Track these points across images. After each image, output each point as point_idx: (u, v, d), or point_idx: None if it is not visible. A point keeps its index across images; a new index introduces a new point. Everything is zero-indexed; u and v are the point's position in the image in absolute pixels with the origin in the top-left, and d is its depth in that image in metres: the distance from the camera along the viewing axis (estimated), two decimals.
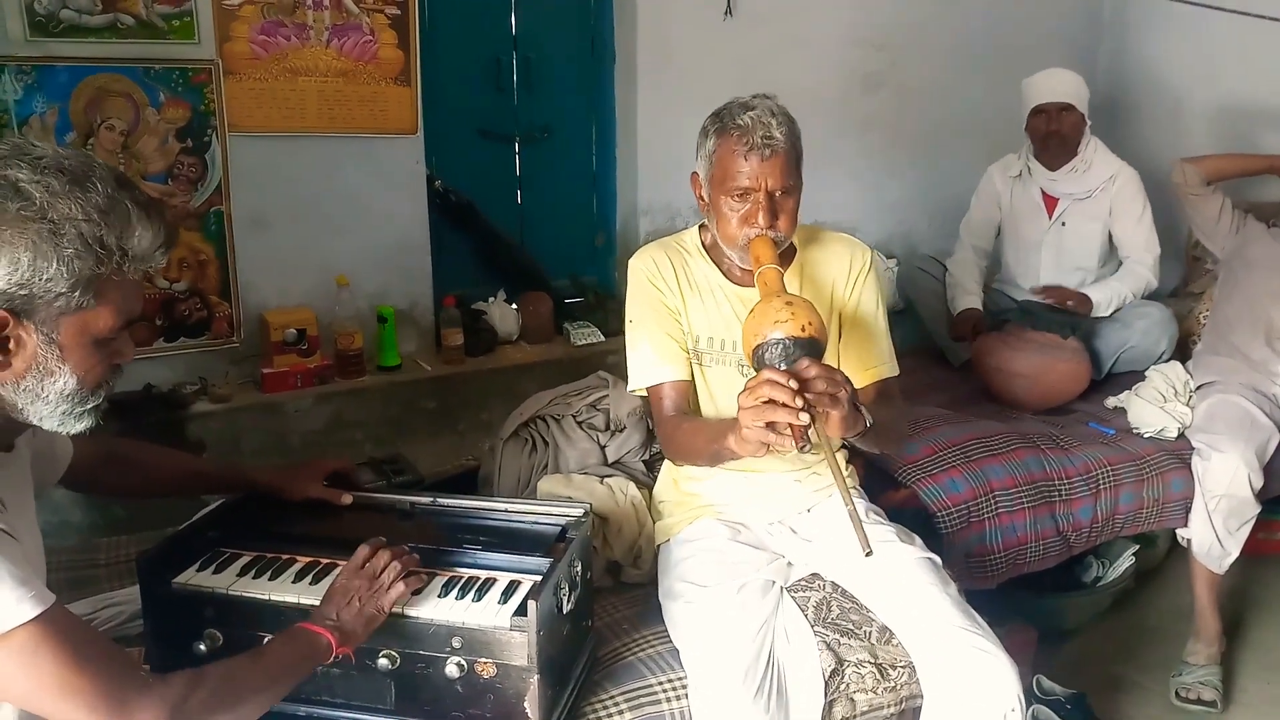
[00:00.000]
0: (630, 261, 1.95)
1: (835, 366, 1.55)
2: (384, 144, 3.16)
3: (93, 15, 2.70)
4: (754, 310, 1.59)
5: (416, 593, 1.50)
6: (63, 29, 2.67)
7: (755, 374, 1.53)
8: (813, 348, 1.53)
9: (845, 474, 1.48)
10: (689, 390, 1.90)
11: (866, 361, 1.92)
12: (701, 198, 1.85)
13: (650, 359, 1.89)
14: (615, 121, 3.73)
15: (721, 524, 1.91)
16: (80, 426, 1.25)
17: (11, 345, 1.16)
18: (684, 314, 1.89)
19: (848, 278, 1.93)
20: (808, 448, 1.48)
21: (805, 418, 1.45)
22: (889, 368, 1.94)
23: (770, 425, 1.46)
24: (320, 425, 3.01)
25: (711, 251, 1.92)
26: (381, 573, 1.46)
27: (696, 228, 1.97)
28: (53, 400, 1.20)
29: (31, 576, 1.12)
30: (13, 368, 1.17)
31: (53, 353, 1.18)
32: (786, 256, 1.88)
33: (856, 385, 1.89)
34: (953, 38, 4.12)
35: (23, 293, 1.13)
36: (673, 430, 1.86)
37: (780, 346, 1.52)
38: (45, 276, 1.13)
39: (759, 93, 1.81)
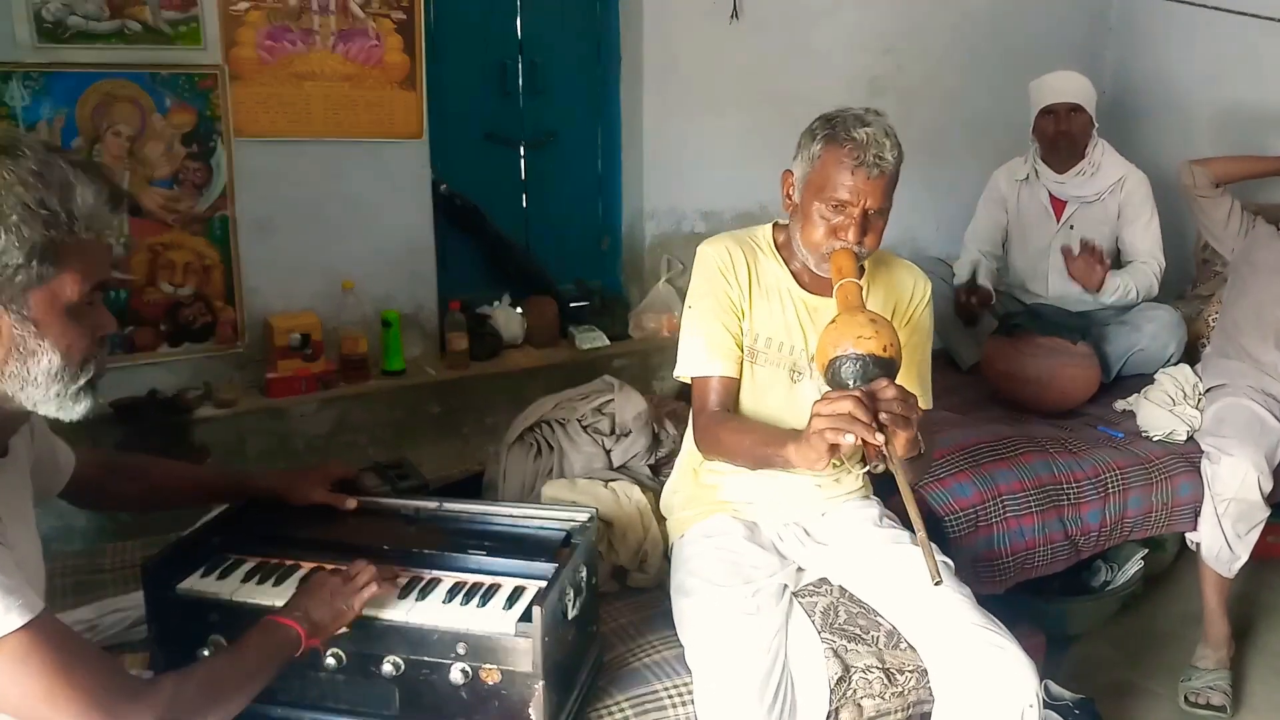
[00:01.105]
0: (701, 248, 1.92)
1: (906, 389, 1.55)
2: (389, 148, 3.17)
3: (100, 21, 2.70)
4: (836, 321, 1.58)
5: (421, 597, 1.50)
6: (70, 35, 2.68)
7: (829, 386, 1.55)
8: (889, 368, 1.54)
9: (911, 496, 1.49)
10: (735, 388, 1.88)
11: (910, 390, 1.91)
12: (789, 196, 1.85)
13: (702, 350, 1.86)
14: (621, 126, 3.73)
15: (737, 521, 1.91)
16: (80, 409, 1.22)
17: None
18: (748, 311, 1.87)
19: (908, 305, 1.94)
20: (880, 466, 1.49)
21: (880, 437, 1.46)
22: (927, 400, 1.95)
23: (833, 446, 1.48)
24: (325, 430, 3.01)
25: (783, 251, 1.90)
26: (356, 575, 1.47)
27: (770, 225, 1.96)
28: (42, 382, 1.18)
29: (21, 585, 1.12)
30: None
31: (29, 330, 1.15)
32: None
33: None
34: (959, 42, 4.11)
35: None
36: (716, 425, 1.84)
37: (860, 363, 1.52)
38: None
39: (871, 108, 1.81)
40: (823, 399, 1.52)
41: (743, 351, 1.88)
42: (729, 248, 1.89)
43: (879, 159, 1.70)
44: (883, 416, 1.48)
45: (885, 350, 1.53)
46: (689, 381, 1.91)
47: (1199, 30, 4.00)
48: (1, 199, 1.11)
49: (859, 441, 1.47)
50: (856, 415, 1.46)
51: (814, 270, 1.83)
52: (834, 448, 1.49)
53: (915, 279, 1.97)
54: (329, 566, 1.55)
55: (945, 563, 1.81)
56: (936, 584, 1.41)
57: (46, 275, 1.15)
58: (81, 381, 1.21)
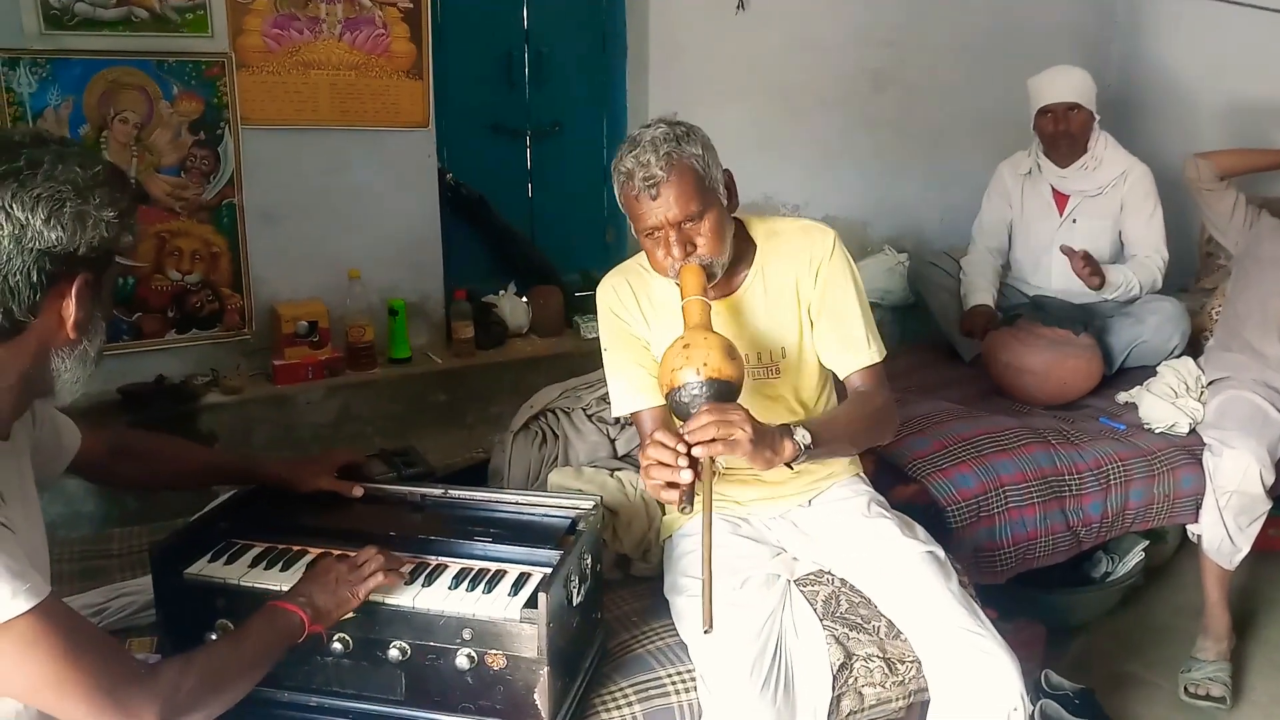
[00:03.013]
0: (597, 290, 1.94)
1: (738, 405, 1.54)
2: (395, 138, 3.17)
3: (107, 9, 2.71)
4: (662, 356, 1.60)
5: (428, 583, 1.51)
6: (77, 22, 2.68)
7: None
8: (719, 387, 1.53)
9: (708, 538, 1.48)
10: (668, 414, 1.86)
11: (842, 349, 1.86)
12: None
13: (625, 389, 1.89)
14: (626, 116, 3.73)
15: (723, 519, 1.91)
16: (77, 390, 1.27)
17: (89, 309, 1.20)
18: (650, 339, 1.88)
19: (810, 267, 1.86)
20: (687, 508, 1.50)
21: (687, 475, 1.47)
22: (870, 354, 1.86)
23: (669, 483, 1.48)
24: (331, 417, 3.03)
25: (659, 275, 1.87)
26: (364, 564, 1.48)
27: None
28: (91, 361, 1.24)
29: (28, 569, 1.13)
30: (82, 331, 1.21)
31: (100, 311, 1.24)
32: (747, 258, 1.87)
33: (840, 376, 1.89)
34: (963, 35, 4.11)
35: (94, 257, 1.18)
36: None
37: (687, 392, 1.54)
38: (113, 237, 1.18)
39: (655, 118, 1.79)
40: (640, 449, 1.53)
41: None
42: (614, 285, 1.92)
43: (648, 179, 1.68)
44: (696, 450, 1.47)
45: (699, 372, 1.52)
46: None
47: (1204, 24, 4.00)
48: (119, 194, 1.19)
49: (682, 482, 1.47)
50: (662, 459, 1.48)
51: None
52: (673, 487, 1.48)
53: (811, 238, 1.88)
54: (335, 552, 1.57)
55: (934, 552, 1.81)
56: (706, 632, 1.40)
57: (116, 261, 1.23)
58: (98, 360, 1.27)
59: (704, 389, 1.52)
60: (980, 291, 3.30)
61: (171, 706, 1.19)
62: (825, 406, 1.95)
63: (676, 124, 1.75)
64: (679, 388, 1.54)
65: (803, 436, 1.59)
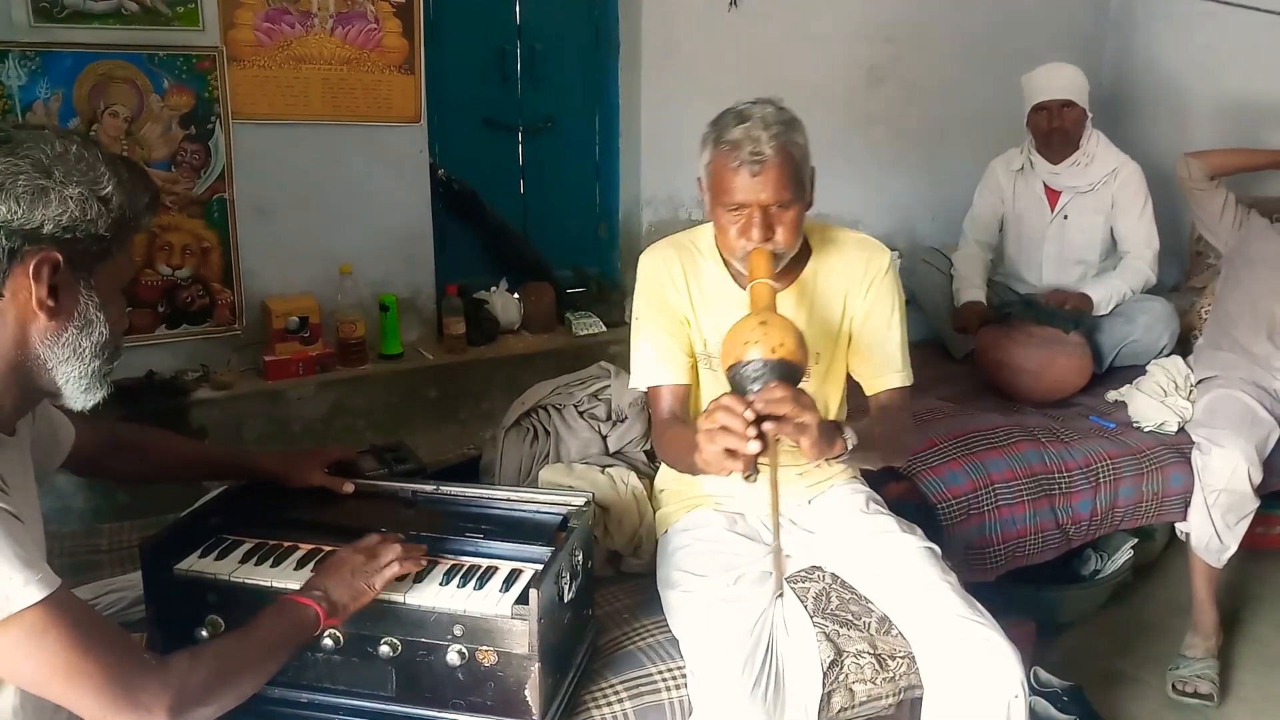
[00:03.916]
0: (641, 258, 1.92)
1: (805, 392, 1.52)
2: (387, 132, 3.16)
3: (97, 1, 2.69)
4: (731, 329, 1.57)
5: (419, 579, 1.51)
6: (67, 15, 2.67)
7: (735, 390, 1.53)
8: (785, 370, 1.50)
9: (776, 512, 1.49)
10: (687, 395, 1.88)
11: (875, 369, 1.89)
12: (706, 204, 1.82)
13: (650, 360, 1.87)
14: (619, 112, 3.72)
15: (719, 514, 1.92)
16: (99, 394, 1.26)
17: (61, 292, 1.18)
18: (693, 318, 1.87)
19: (862, 282, 1.87)
20: (754, 477, 1.47)
21: (755, 446, 1.43)
22: (900, 377, 1.89)
23: (729, 452, 1.45)
24: (322, 413, 3.02)
25: (724, 253, 1.88)
26: (380, 554, 1.47)
27: (711, 226, 1.91)
28: (88, 355, 1.22)
29: (38, 559, 1.13)
30: (60, 316, 1.19)
31: (93, 301, 1.21)
32: (800, 260, 1.86)
33: (866, 395, 1.91)
34: (958, 32, 4.11)
35: (67, 236, 1.16)
36: (660, 434, 1.88)
37: (751, 368, 1.50)
38: (89, 217, 1.16)
39: (761, 97, 1.76)
40: (704, 411, 1.50)
41: (693, 358, 1.88)
42: (665, 257, 1.89)
43: (755, 155, 1.66)
44: (767, 425, 1.45)
45: (774, 351, 1.49)
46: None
47: (1197, 23, 4.00)
48: (100, 171, 1.18)
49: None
50: (729, 425, 1.44)
51: (744, 272, 1.79)
52: (732, 454, 1.44)
53: (869, 253, 1.89)
54: (326, 547, 1.57)
55: (932, 548, 1.83)
56: (778, 596, 1.39)
57: (115, 252, 1.22)
58: (113, 363, 1.26)
59: (773, 369, 1.49)
60: (972, 287, 3.31)
61: (182, 698, 1.18)
62: (840, 418, 1.96)
63: (783, 109, 1.75)
64: (747, 362, 1.50)
65: (850, 436, 1.60)
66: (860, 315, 1.89)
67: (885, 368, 1.89)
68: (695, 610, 1.71)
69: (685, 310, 1.87)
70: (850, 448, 1.60)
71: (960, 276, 3.36)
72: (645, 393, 1.97)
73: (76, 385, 1.24)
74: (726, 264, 1.87)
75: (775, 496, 1.48)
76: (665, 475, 2.04)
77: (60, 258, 1.16)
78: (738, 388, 1.52)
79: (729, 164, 1.69)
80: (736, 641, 1.63)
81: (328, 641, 1.48)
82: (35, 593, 1.10)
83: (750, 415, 1.44)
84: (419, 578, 1.52)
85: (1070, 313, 3.03)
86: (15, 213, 1.13)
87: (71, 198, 1.15)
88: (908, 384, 1.90)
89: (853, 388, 1.99)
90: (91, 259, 1.20)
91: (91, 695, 1.13)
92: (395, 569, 1.46)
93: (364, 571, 1.44)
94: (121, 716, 1.15)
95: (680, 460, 1.78)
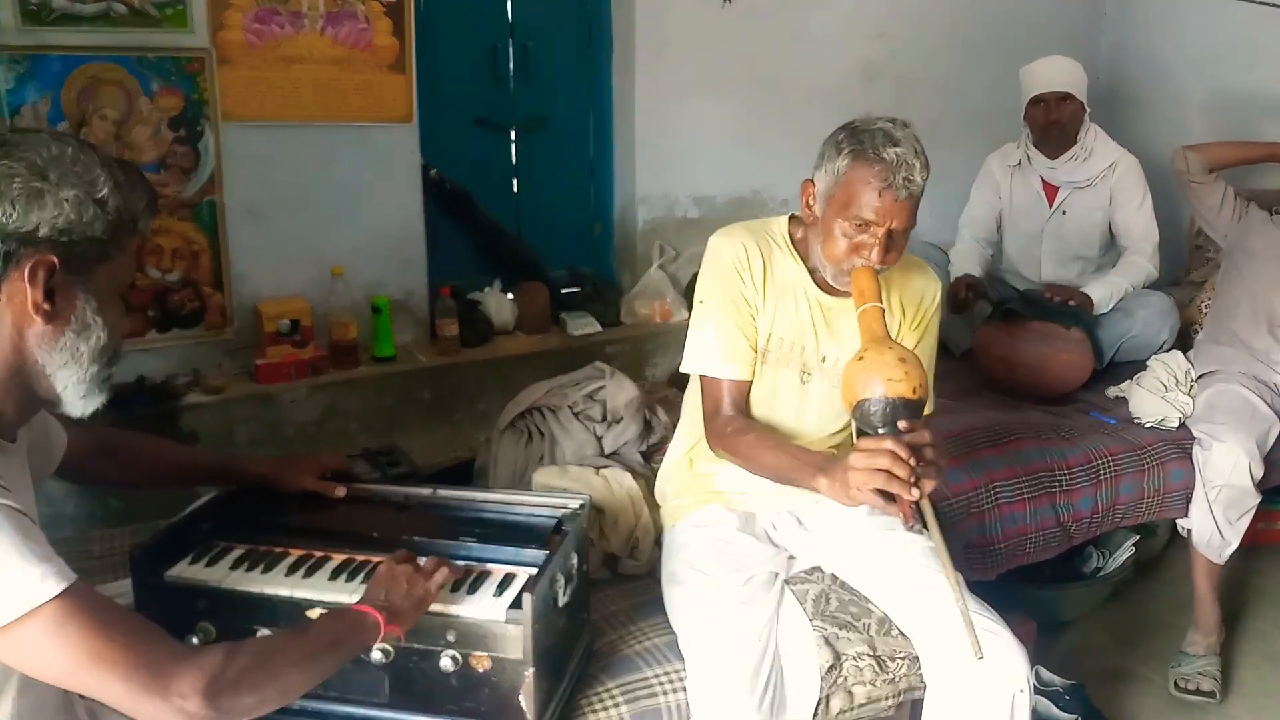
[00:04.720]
0: (715, 240, 1.87)
1: (934, 430, 1.53)
2: (379, 133, 3.14)
3: (85, 4, 2.67)
4: (864, 359, 1.55)
5: (471, 590, 1.50)
6: (55, 18, 2.64)
7: (857, 425, 1.54)
8: (917, 411, 1.52)
9: (948, 558, 1.49)
10: (748, 389, 1.85)
11: None
12: (810, 206, 1.79)
13: (715, 351, 1.82)
14: (612, 111, 3.71)
15: (730, 512, 1.90)
16: (98, 400, 1.25)
17: (58, 296, 1.16)
18: (761, 309, 1.83)
19: (918, 310, 1.90)
20: (916, 526, 1.49)
21: (917, 492, 1.45)
22: (931, 404, 1.90)
23: (880, 492, 1.46)
24: (314, 416, 3.00)
25: (799, 248, 1.85)
26: (425, 563, 1.47)
27: (785, 219, 1.90)
28: (85, 360, 1.21)
29: (53, 554, 1.12)
30: (57, 320, 1.18)
31: (90, 305, 1.20)
32: None
33: None
34: (953, 27, 4.09)
35: (63, 239, 1.15)
36: (735, 435, 1.80)
37: (890, 406, 1.50)
38: (85, 220, 1.15)
39: (898, 119, 1.75)
40: (859, 449, 1.49)
41: (756, 352, 1.84)
42: (744, 242, 1.84)
43: (908, 181, 1.66)
44: (916, 467, 1.46)
45: (915, 392, 1.50)
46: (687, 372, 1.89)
47: (1193, 16, 4.00)
48: (96, 174, 1.17)
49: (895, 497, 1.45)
50: (895, 472, 1.44)
51: (830, 279, 1.79)
52: (885, 496, 1.47)
53: (928, 282, 1.93)
54: (317, 553, 1.55)
55: (933, 546, 1.81)
56: (979, 659, 1.40)
57: (114, 255, 1.20)
58: (112, 368, 1.25)
59: (911, 410, 1.51)
60: (969, 265, 3.29)
61: (217, 684, 1.15)
62: None
63: (916, 133, 1.73)
64: (889, 400, 1.50)
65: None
66: (911, 340, 1.90)
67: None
68: (703, 610, 1.69)
69: (756, 300, 1.83)
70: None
71: (956, 271, 3.34)
72: (645, 394, 1.95)
73: (75, 391, 1.22)
74: (803, 259, 1.85)
75: (943, 545, 1.47)
76: (673, 469, 2.01)
77: (56, 261, 1.15)
78: (867, 422, 1.52)
79: (874, 182, 1.66)
80: (744, 646, 1.62)
81: None
82: (53, 586, 1.09)
83: (914, 462, 1.45)
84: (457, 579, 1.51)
85: (1070, 308, 3.02)
86: (10, 216, 1.12)
87: (67, 200, 1.14)
88: (932, 410, 1.91)
89: None
90: (88, 262, 1.18)
91: (120, 682, 1.11)
92: (446, 572, 1.46)
93: (418, 580, 1.43)
94: (154, 702, 1.13)
95: (771, 468, 1.74)
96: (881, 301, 1.67)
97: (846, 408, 1.57)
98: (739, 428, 1.80)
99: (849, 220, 1.69)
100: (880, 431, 1.50)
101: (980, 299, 3.18)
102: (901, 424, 1.49)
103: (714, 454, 1.87)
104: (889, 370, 1.51)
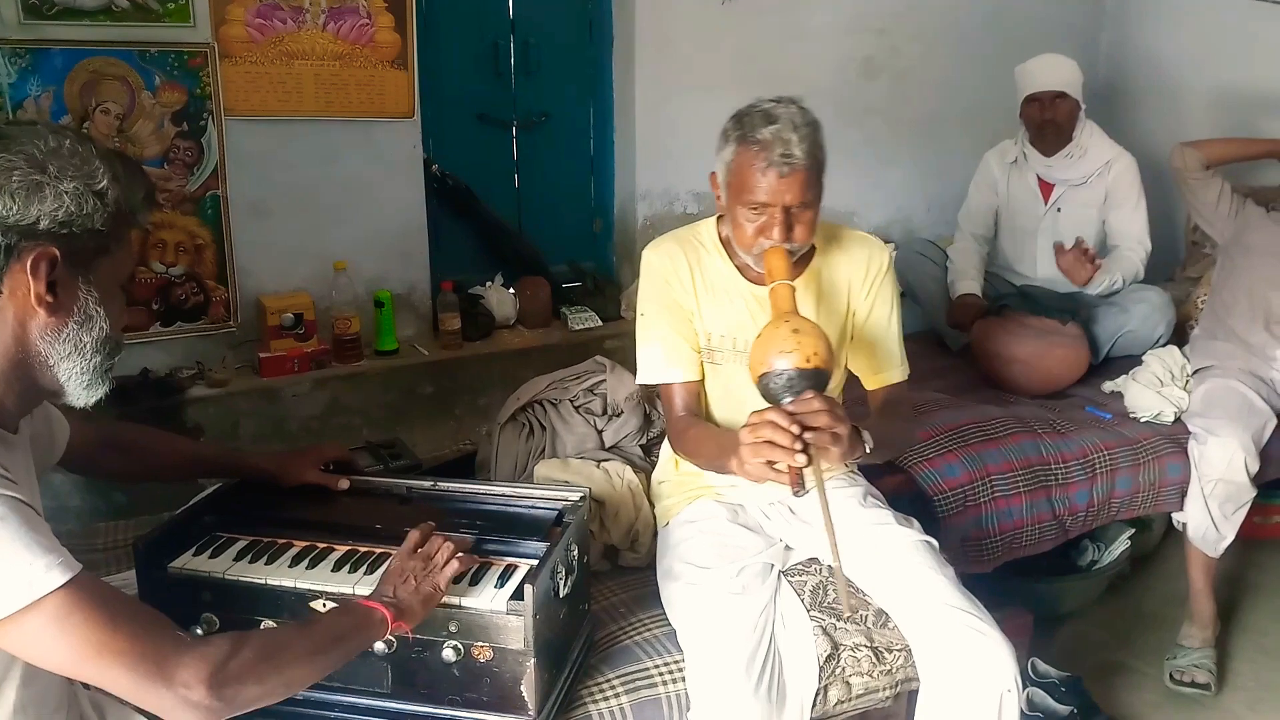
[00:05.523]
0: (645, 252, 1.92)
1: (836, 399, 1.54)
2: (381, 128, 3.15)
3: None
4: (761, 335, 1.58)
5: (473, 581, 1.51)
6: (57, 12, 2.66)
7: (765, 402, 1.54)
8: (818, 379, 1.53)
9: (830, 524, 1.51)
10: (699, 389, 1.89)
11: (877, 366, 1.92)
12: (719, 199, 1.82)
13: (660, 358, 1.87)
14: (613, 106, 3.71)
15: (720, 505, 1.92)
16: (101, 390, 1.26)
17: (60, 288, 1.17)
18: (697, 313, 1.87)
19: (864, 280, 1.90)
20: (803, 492, 1.49)
21: (802, 459, 1.46)
22: (900, 371, 1.93)
23: (770, 463, 1.48)
24: (318, 410, 3.01)
25: (728, 246, 1.88)
26: (435, 554, 1.47)
27: (714, 219, 1.93)
28: (89, 351, 1.22)
29: (58, 545, 1.13)
30: (60, 313, 1.18)
31: (92, 296, 1.21)
32: (805, 256, 1.86)
33: (867, 389, 1.94)
34: (953, 24, 4.10)
35: (64, 232, 1.15)
36: (681, 431, 1.86)
37: (785, 377, 1.52)
38: (85, 212, 1.16)
39: (783, 96, 1.75)
40: (746, 423, 1.52)
41: (700, 353, 1.88)
42: (670, 252, 1.88)
43: (786, 157, 1.66)
44: (807, 435, 1.47)
45: (809, 361, 1.52)
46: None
47: (1192, 12, 4.00)
48: (94, 166, 1.18)
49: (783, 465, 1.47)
50: (775, 440, 1.47)
51: (755, 267, 1.81)
52: (772, 466, 1.48)
53: (870, 250, 1.91)
54: (320, 545, 1.56)
55: (929, 541, 1.84)
56: (846, 619, 1.41)
57: (114, 247, 1.21)
58: (114, 359, 1.26)
59: (807, 378, 1.52)
60: (967, 280, 3.31)
61: (222, 674, 1.16)
62: None
63: (806, 109, 1.73)
64: (781, 371, 1.52)
65: (868, 439, 1.63)
66: (863, 312, 1.91)
67: (887, 363, 1.92)
68: (699, 603, 1.71)
69: (691, 305, 1.87)
70: (869, 450, 1.63)
71: (956, 270, 3.36)
72: (645, 387, 1.97)
73: (79, 382, 1.23)
74: (730, 256, 1.88)
75: (827, 511, 1.49)
76: (665, 468, 2.04)
77: (58, 253, 1.15)
78: (770, 396, 1.54)
79: (756, 164, 1.68)
80: (741, 636, 1.63)
81: None
82: (58, 576, 1.10)
83: (796, 430, 1.46)
84: (469, 571, 1.52)
85: (1066, 303, 3.03)
86: (11, 209, 1.12)
87: (67, 193, 1.15)
88: (906, 377, 1.94)
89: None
90: (89, 254, 1.19)
91: (125, 671, 1.12)
92: (455, 566, 1.47)
93: (427, 575, 1.44)
94: (158, 691, 1.13)
95: (710, 461, 1.78)
96: (791, 279, 1.68)
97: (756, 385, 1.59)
98: (685, 427, 1.85)
99: (745, 205, 1.72)
100: (784, 403, 1.53)
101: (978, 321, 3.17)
102: (807, 394, 1.51)
103: (680, 459, 1.92)
104: (780, 343, 1.54)
